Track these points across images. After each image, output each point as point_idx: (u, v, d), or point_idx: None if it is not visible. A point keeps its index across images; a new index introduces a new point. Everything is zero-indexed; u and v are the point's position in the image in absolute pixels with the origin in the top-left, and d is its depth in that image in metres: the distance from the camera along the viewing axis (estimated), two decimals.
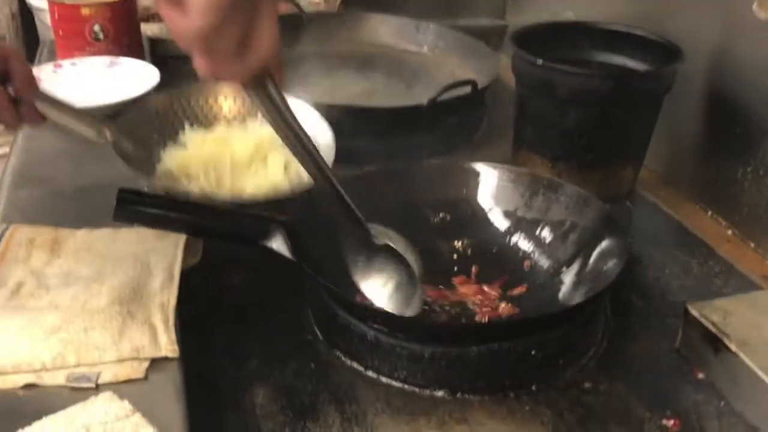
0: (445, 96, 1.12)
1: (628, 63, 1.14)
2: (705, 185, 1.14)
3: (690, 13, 1.13)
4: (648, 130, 1.11)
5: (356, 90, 1.28)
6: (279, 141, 0.68)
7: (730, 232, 1.09)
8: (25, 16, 2.34)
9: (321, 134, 0.99)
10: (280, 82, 0.63)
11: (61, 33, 1.38)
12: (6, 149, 1.17)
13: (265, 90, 0.62)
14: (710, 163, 1.13)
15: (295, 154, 0.69)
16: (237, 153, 0.98)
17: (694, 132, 1.16)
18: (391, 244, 0.77)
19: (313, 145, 0.69)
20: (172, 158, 0.99)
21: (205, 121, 1.07)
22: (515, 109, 1.15)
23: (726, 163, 1.09)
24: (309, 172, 0.72)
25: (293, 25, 1.46)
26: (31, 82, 0.77)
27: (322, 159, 0.71)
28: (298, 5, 1.50)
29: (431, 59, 1.40)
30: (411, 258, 0.78)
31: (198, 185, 0.95)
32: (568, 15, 1.45)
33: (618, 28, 1.16)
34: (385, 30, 1.46)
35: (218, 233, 0.83)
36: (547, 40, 1.14)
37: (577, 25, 1.21)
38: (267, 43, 0.57)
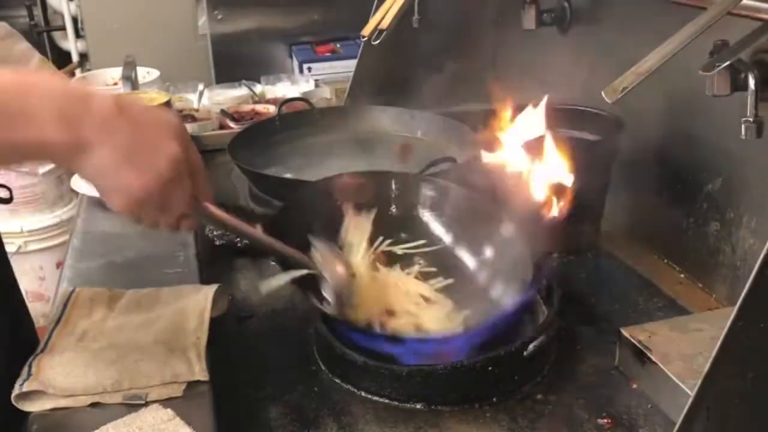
0: (432, 170, 1.33)
1: (585, 136, 1.35)
2: (660, 237, 1.33)
3: (642, 94, 1.34)
4: (601, 191, 1.30)
5: (358, 168, 1.49)
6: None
7: (682, 275, 1.27)
8: None
9: None
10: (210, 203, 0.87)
11: None
12: (67, 236, 1.40)
13: (200, 212, 0.86)
14: (662, 217, 1.33)
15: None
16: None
17: (649, 191, 1.36)
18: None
19: (253, 230, 0.94)
20: None
21: None
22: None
23: (674, 216, 1.28)
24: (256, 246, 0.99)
25: (309, 119, 1.70)
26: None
27: (265, 237, 0.95)
28: (309, 103, 1.75)
29: (423, 142, 1.62)
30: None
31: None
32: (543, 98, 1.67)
33: (576, 107, 1.37)
34: (385, 119, 1.69)
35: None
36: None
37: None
38: (180, 205, 0.82)
